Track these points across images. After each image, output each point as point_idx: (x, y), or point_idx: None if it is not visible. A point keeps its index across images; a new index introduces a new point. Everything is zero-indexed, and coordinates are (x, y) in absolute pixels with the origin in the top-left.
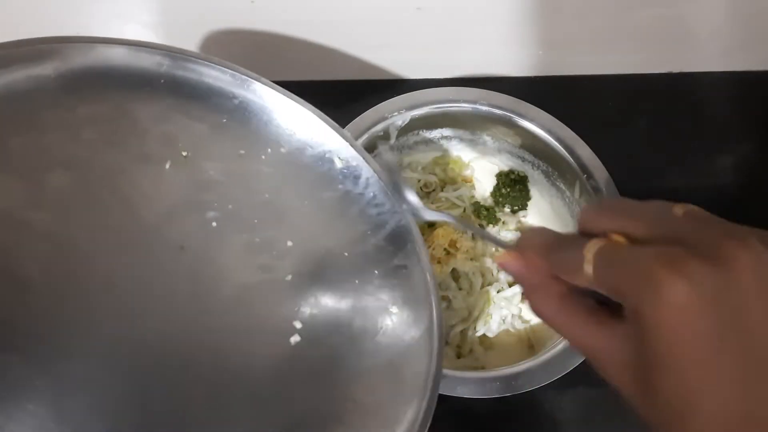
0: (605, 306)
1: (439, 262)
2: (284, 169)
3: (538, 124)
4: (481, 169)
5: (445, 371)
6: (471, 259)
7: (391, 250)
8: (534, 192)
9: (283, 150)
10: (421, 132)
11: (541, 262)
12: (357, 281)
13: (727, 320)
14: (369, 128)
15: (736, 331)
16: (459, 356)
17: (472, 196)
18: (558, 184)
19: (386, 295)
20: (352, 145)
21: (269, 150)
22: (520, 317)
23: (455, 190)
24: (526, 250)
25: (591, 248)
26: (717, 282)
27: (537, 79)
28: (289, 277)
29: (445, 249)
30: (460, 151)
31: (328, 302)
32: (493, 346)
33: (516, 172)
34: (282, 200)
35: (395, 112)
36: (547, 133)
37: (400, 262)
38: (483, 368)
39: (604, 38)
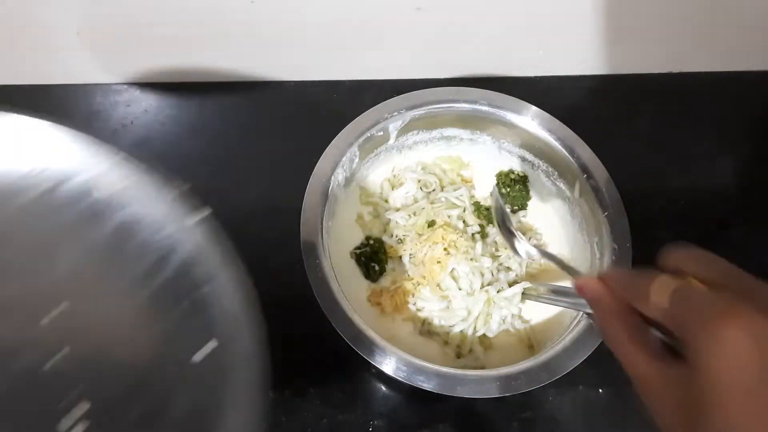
0: (667, 346)
1: (439, 262)
2: (40, 215)
3: (538, 124)
4: (481, 169)
5: (445, 371)
6: (471, 259)
7: (189, 275)
8: (534, 192)
9: (33, 193)
10: (421, 132)
11: (619, 289)
12: (156, 320)
13: None
14: (369, 128)
15: None
16: (459, 356)
17: (472, 196)
18: (558, 184)
19: (196, 324)
20: (116, 164)
21: (16, 198)
22: (520, 317)
23: (455, 190)
24: (605, 278)
25: (670, 283)
26: None
27: (538, 79)
28: (67, 350)
29: (444, 249)
30: (460, 151)
31: (126, 358)
32: (493, 346)
33: (516, 172)
34: (46, 253)
35: (395, 112)
36: (547, 133)
37: (205, 288)
38: (483, 368)
39: (604, 38)
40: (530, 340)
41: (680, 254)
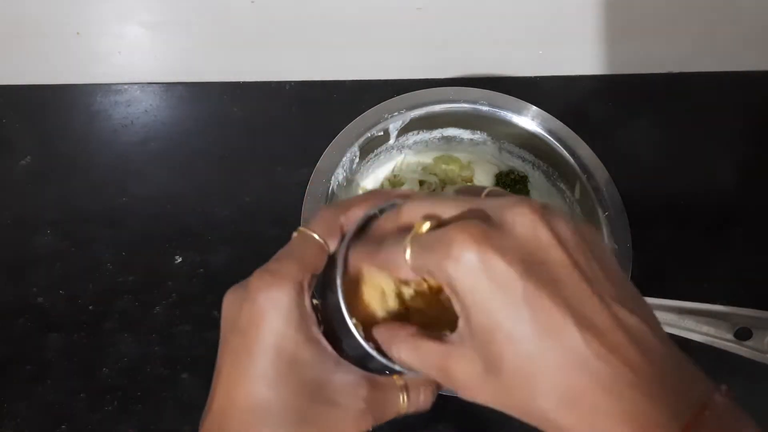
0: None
1: None
2: None
3: (538, 124)
4: (481, 169)
5: None
6: None
7: None
8: (534, 192)
9: None
10: (421, 132)
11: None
12: None
13: (519, 272)
14: (369, 128)
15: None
16: None
17: None
18: (558, 184)
19: None
20: None
21: None
22: None
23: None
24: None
25: (407, 238)
26: (501, 243)
27: (537, 79)
28: None
29: None
30: (460, 151)
31: None
32: None
33: (516, 172)
34: None
35: (395, 112)
36: (547, 133)
37: None
38: None
39: (604, 38)
40: None
41: (410, 205)
